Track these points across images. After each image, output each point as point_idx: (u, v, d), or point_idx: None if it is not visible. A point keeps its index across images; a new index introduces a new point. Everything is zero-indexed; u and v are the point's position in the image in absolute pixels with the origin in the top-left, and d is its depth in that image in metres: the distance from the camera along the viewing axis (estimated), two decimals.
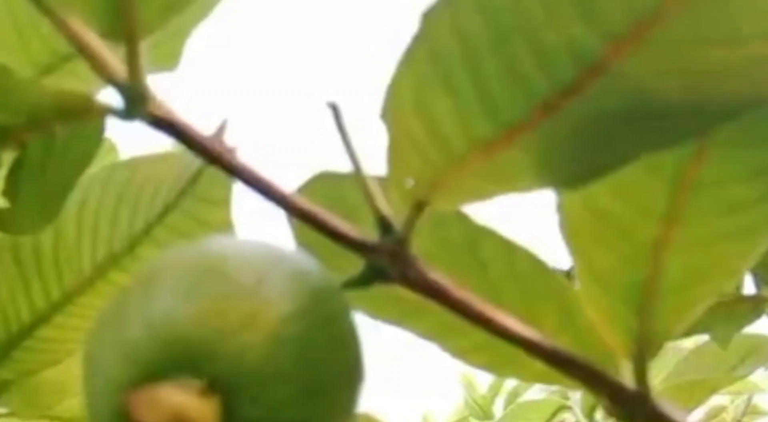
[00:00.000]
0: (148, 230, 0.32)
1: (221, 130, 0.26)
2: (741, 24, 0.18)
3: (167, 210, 0.32)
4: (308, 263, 0.22)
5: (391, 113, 0.22)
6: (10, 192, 0.27)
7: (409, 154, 0.23)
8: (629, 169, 0.22)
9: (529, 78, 0.19)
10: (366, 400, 0.22)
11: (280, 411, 0.19)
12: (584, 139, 0.21)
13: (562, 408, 0.81)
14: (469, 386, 1.10)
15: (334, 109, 0.25)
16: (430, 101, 0.22)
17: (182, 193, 0.32)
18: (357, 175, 0.24)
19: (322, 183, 0.26)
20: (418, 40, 0.21)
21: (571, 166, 0.22)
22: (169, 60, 0.35)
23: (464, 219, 0.26)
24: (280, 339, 0.19)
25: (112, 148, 0.44)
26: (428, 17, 0.20)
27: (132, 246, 0.33)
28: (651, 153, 0.21)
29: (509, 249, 0.26)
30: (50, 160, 0.26)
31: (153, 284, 0.20)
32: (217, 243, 0.21)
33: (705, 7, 0.17)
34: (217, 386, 0.19)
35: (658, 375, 0.67)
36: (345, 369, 0.21)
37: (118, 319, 0.20)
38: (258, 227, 0.31)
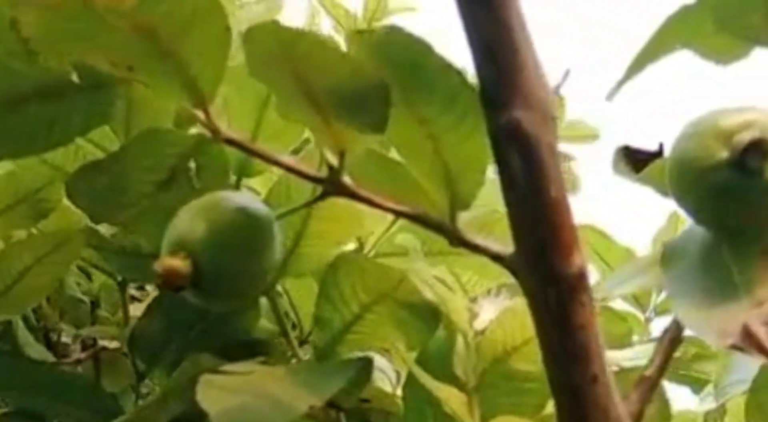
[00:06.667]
0: None
1: None
2: None
3: None
4: (253, 201, 0.49)
5: None
6: None
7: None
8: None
9: None
10: None
11: (218, 265, 0.46)
12: None
13: None
14: None
15: None
16: None
17: None
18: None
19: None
20: None
21: None
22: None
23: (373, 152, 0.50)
24: (215, 235, 0.46)
25: None
26: None
27: None
28: None
29: (393, 164, 0.49)
30: None
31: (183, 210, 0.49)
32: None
33: None
34: (190, 254, 0.46)
35: None
36: (256, 248, 0.47)
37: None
38: None
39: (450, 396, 0.52)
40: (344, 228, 0.64)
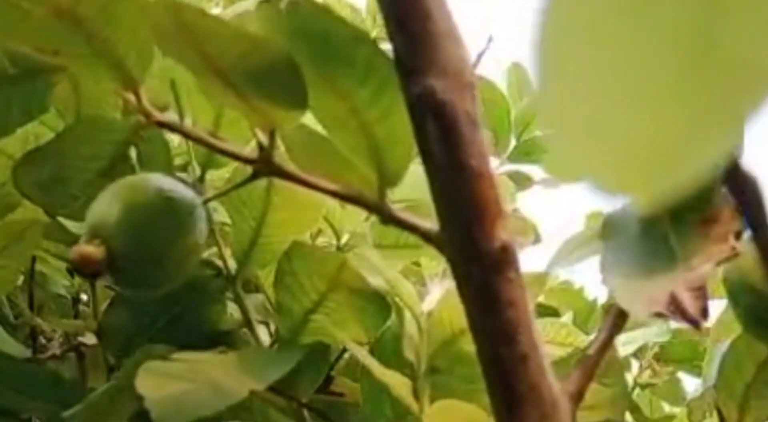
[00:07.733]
0: None
1: None
2: None
3: None
4: (174, 184, 0.47)
5: None
6: None
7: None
8: None
9: None
10: None
11: (132, 250, 0.45)
12: None
13: None
14: None
15: None
16: None
17: None
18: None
19: None
20: None
21: None
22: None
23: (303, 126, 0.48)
24: (129, 220, 0.45)
25: None
26: None
27: None
28: None
29: (323, 140, 0.48)
30: None
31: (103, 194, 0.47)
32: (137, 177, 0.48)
33: None
34: (103, 241, 0.45)
35: None
36: (174, 232, 0.46)
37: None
38: None
39: (397, 382, 0.50)
40: (304, 216, 0.63)
